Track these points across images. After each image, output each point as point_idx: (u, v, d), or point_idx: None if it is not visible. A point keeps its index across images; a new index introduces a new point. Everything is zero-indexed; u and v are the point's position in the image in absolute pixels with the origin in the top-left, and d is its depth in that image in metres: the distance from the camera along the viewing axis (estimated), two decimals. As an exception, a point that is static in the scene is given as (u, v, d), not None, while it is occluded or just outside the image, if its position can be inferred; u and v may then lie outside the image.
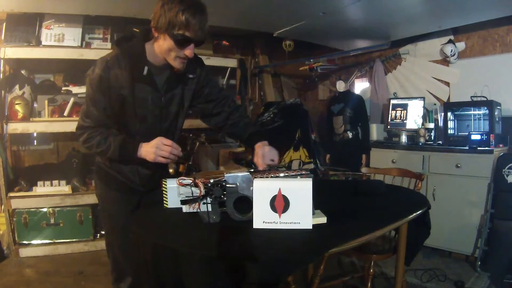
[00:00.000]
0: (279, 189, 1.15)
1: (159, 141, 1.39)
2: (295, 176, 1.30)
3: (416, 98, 3.50)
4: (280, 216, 1.15)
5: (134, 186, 1.58)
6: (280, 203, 1.15)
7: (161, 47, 1.36)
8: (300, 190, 1.16)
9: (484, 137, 2.81)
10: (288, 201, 1.15)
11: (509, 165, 2.61)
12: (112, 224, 1.63)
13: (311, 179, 1.20)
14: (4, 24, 3.00)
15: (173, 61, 1.38)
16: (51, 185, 3.12)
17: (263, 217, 1.16)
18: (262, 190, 1.16)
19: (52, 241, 3.04)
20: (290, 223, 1.15)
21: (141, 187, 1.59)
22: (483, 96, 3.04)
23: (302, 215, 1.15)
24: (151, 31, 1.38)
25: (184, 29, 1.28)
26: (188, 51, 1.35)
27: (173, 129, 1.59)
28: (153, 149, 1.38)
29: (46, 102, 3.16)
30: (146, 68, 1.40)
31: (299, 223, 1.15)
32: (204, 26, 1.32)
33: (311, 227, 1.15)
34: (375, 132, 3.76)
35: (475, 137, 2.86)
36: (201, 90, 1.60)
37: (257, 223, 1.16)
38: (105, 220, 1.69)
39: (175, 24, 1.27)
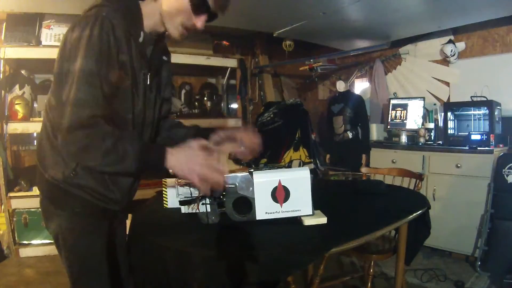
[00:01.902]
0: (279, 181, 1.20)
1: (201, 155, 1.02)
2: None
3: (416, 98, 3.50)
4: (281, 205, 1.20)
5: (106, 205, 1.15)
6: (281, 194, 1.20)
7: (167, 6, 1.08)
8: (299, 179, 1.21)
9: (484, 137, 2.81)
10: (288, 191, 1.20)
11: (509, 165, 2.61)
12: (82, 268, 1.15)
13: (308, 168, 1.25)
14: (4, 24, 3.00)
15: (174, 28, 1.11)
16: (51, 185, 3.11)
17: (265, 209, 1.20)
18: (263, 182, 1.20)
19: (52, 241, 3.02)
20: (292, 211, 1.20)
21: (116, 204, 1.18)
22: (483, 96, 3.04)
23: (302, 202, 1.21)
24: None
25: None
26: (200, 22, 1.11)
27: (155, 123, 1.27)
28: (190, 163, 1.01)
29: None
30: (142, 34, 1.09)
31: (300, 210, 1.21)
32: (227, 2, 1.11)
33: (311, 213, 1.20)
34: (375, 132, 3.76)
35: (475, 137, 2.85)
36: (167, 82, 1.30)
37: (260, 215, 1.19)
38: (70, 264, 1.15)
39: None
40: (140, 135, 1.18)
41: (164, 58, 1.26)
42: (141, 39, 1.09)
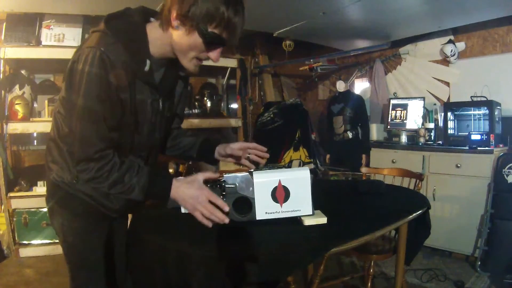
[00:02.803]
0: (279, 181, 1.19)
1: (204, 194, 1.08)
2: None
3: (416, 98, 3.50)
4: (281, 205, 1.19)
5: (106, 211, 1.20)
6: (281, 194, 1.20)
7: (179, 41, 1.04)
8: (299, 179, 1.21)
9: (484, 137, 2.81)
10: (288, 191, 1.20)
11: (509, 165, 2.61)
12: (80, 263, 1.22)
13: (308, 168, 1.24)
14: (4, 24, 2.99)
15: (187, 62, 1.08)
16: (51, 185, 3.11)
17: (265, 209, 1.19)
18: (263, 182, 1.19)
19: (52, 241, 3.03)
20: (292, 211, 1.20)
21: (115, 213, 1.23)
22: (483, 96, 3.04)
23: (302, 202, 1.20)
24: (156, 14, 1.08)
25: (222, 28, 1.01)
26: (215, 55, 1.08)
27: (162, 140, 1.31)
28: (193, 201, 1.08)
29: (46, 102, 3.16)
30: (148, 62, 1.06)
31: (300, 210, 1.20)
32: (242, 29, 1.06)
33: (311, 213, 1.20)
34: (375, 132, 3.76)
35: (475, 137, 2.85)
36: (180, 98, 1.29)
37: (260, 215, 1.19)
38: (69, 259, 1.23)
39: (213, 18, 0.99)
40: (146, 157, 1.21)
41: (182, 74, 1.23)
42: (147, 68, 1.06)
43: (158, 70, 1.14)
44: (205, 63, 1.13)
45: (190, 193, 1.08)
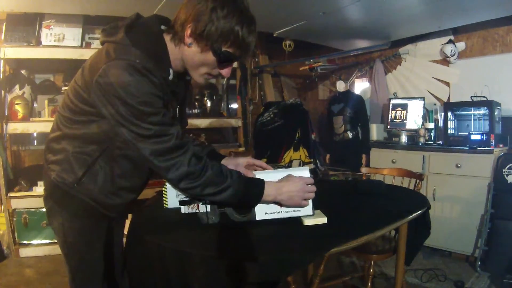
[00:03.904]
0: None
1: (303, 182, 1.16)
2: None
3: (416, 98, 3.50)
4: (281, 206, 1.19)
5: (106, 211, 1.20)
6: None
7: (191, 58, 1.05)
8: None
9: (484, 137, 2.81)
10: None
11: (509, 165, 2.61)
12: (80, 263, 1.22)
13: (308, 168, 1.24)
14: (4, 24, 3.00)
15: (198, 76, 1.10)
16: (51, 185, 3.11)
17: (265, 209, 1.19)
18: None
19: (52, 241, 3.03)
20: (292, 211, 1.20)
21: (116, 213, 1.25)
22: (483, 96, 3.04)
23: None
24: (164, 23, 1.09)
25: (235, 46, 1.02)
26: (227, 71, 1.09)
27: None
28: (301, 193, 1.15)
29: (46, 102, 3.16)
30: (171, 71, 1.07)
31: (300, 210, 1.20)
32: (254, 46, 1.07)
33: (311, 213, 1.20)
34: (375, 132, 3.76)
35: (475, 137, 2.85)
36: (186, 98, 1.34)
37: (260, 215, 1.19)
38: (69, 259, 1.22)
39: (228, 38, 1.00)
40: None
41: (188, 78, 1.23)
42: (171, 77, 1.07)
43: (177, 82, 1.15)
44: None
45: (295, 188, 1.14)
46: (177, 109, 1.19)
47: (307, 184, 1.16)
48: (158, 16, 1.12)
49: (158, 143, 1.00)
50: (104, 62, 0.97)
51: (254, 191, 1.12)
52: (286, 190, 1.13)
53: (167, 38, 1.07)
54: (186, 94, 1.31)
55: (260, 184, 1.13)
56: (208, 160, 1.07)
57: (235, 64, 3.98)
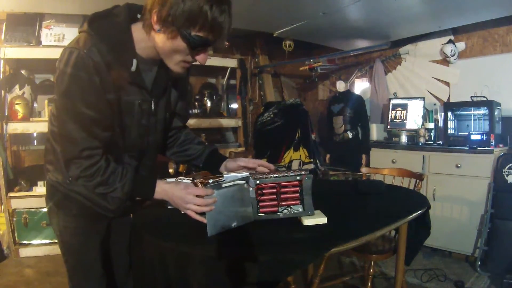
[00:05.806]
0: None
1: (189, 193, 1.09)
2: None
3: (416, 98, 3.50)
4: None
5: (102, 211, 1.18)
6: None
7: (162, 46, 0.99)
8: None
9: (484, 137, 2.81)
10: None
11: (509, 165, 2.61)
12: (77, 262, 1.23)
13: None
14: (4, 24, 3.00)
15: (174, 65, 1.04)
16: (51, 185, 3.11)
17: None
18: None
19: (52, 241, 3.03)
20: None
21: (112, 213, 1.20)
22: (483, 96, 3.04)
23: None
24: (139, 11, 1.03)
25: (206, 30, 0.94)
26: (202, 57, 1.02)
27: (160, 141, 1.29)
28: (180, 201, 1.11)
29: (46, 102, 3.16)
30: (134, 62, 1.02)
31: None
32: (230, 29, 0.99)
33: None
34: (375, 132, 3.76)
35: (475, 137, 2.86)
36: (179, 96, 1.27)
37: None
38: (67, 259, 1.23)
39: (196, 20, 0.92)
40: (139, 158, 1.20)
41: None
42: (133, 68, 1.02)
43: (150, 69, 1.10)
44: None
45: (177, 194, 1.11)
46: (153, 102, 1.13)
47: (197, 196, 1.08)
48: (130, 4, 1.07)
49: (69, 149, 1.04)
50: None
51: (142, 192, 1.14)
52: (171, 195, 1.13)
53: (139, 26, 1.02)
54: (182, 89, 1.27)
55: (150, 185, 1.14)
56: (104, 166, 1.06)
57: (235, 64, 4.02)
